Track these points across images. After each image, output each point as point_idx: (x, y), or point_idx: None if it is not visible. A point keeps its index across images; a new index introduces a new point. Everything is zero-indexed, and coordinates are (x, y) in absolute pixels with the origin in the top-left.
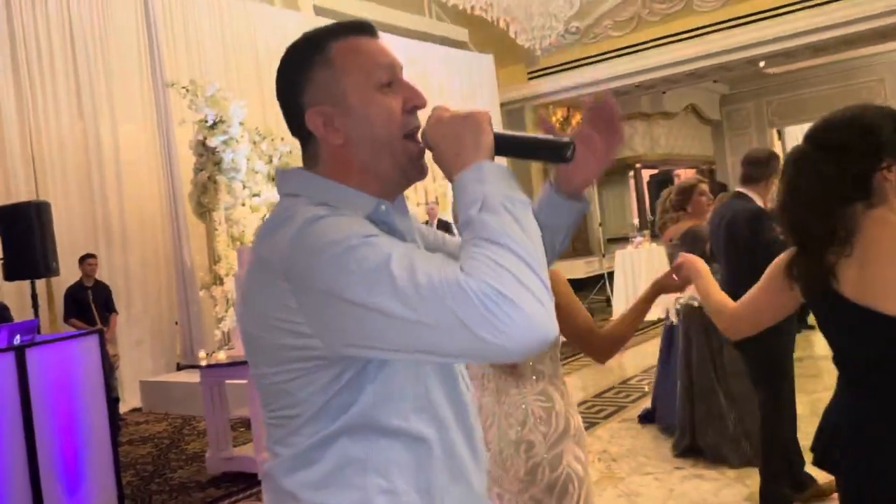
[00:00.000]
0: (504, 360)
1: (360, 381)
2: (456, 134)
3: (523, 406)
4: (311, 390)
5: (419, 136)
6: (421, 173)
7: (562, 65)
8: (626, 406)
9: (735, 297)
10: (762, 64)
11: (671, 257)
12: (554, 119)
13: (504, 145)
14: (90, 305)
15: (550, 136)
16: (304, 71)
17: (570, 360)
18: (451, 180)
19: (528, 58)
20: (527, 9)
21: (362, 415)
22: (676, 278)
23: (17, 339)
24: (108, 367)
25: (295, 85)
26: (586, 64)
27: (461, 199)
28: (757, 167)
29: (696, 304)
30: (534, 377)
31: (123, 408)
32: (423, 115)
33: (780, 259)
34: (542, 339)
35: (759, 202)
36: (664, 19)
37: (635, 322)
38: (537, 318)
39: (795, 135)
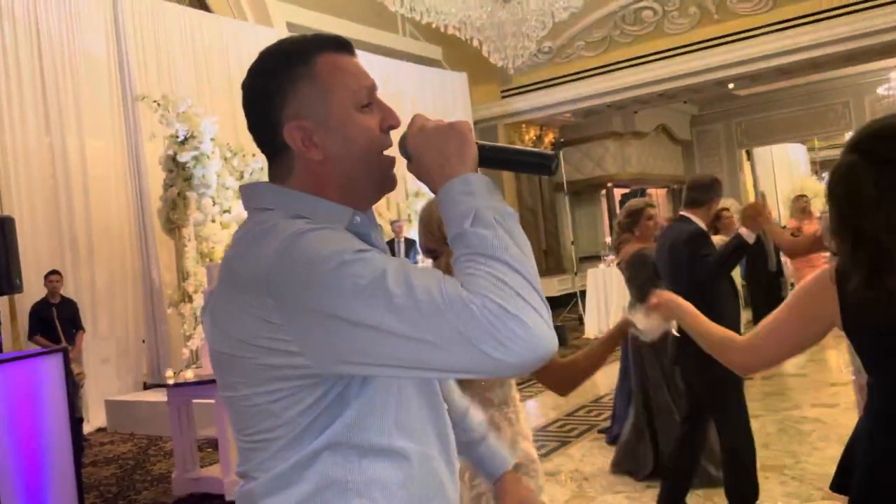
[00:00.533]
0: (506, 375)
1: (345, 397)
2: (440, 145)
3: None
4: (297, 410)
5: (398, 144)
6: (393, 184)
7: (535, 84)
8: (598, 424)
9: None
10: (731, 86)
11: (625, 280)
12: (527, 137)
13: (488, 157)
14: (55, 323)
15: (535, 149)
16: (286, 82)
17: None
18: (434, 191)
19: (501, 76)
20: (500, 28)
21: (344, 432)
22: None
23: None
24: (73, 387)
25: (274, 95)
26: (559, 83)
27: (450, 210)
28: (700, 191)
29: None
30: (480, 406)
31: (88, 428)
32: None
33: (815, 279)
34: (545, 352)
35: (702, 225)
36: (635, 40)
37: (600, 358)
38: (540, 333)
39: (764, 156)
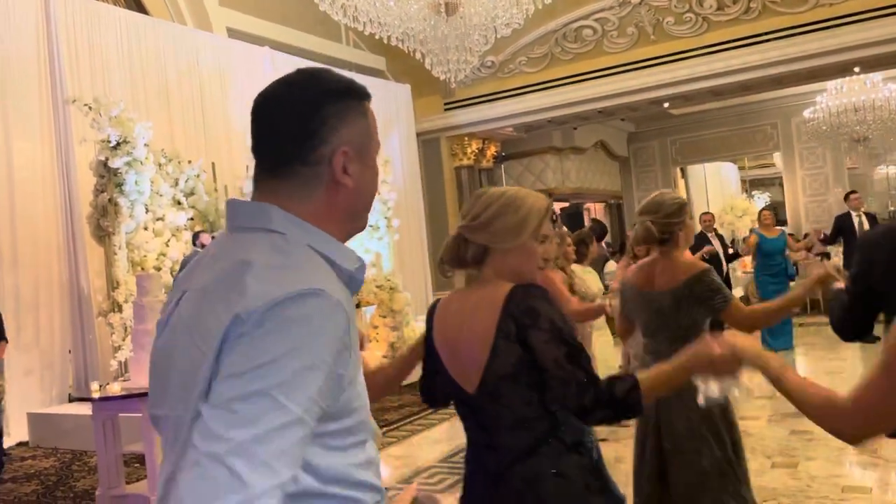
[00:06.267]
0: None
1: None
2: None
3: None
4: None
5: None
6: (364, 229)
7: (477, 97)
8: None
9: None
10: (666, 105)
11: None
12: (469, 150)
13: None
14: None
15: None
16: (344, 107)
17: None
18: None
19: (444, 89)
20: (443, 42)
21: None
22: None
23: None
24: None
25: (327, 113)
26: (501, 98)
27: None
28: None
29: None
30: None
31: (8, 442)
32: None
33: None
34: None
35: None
36: (576, 58)
37: (409, 365)
38: None
39: (697, 173)
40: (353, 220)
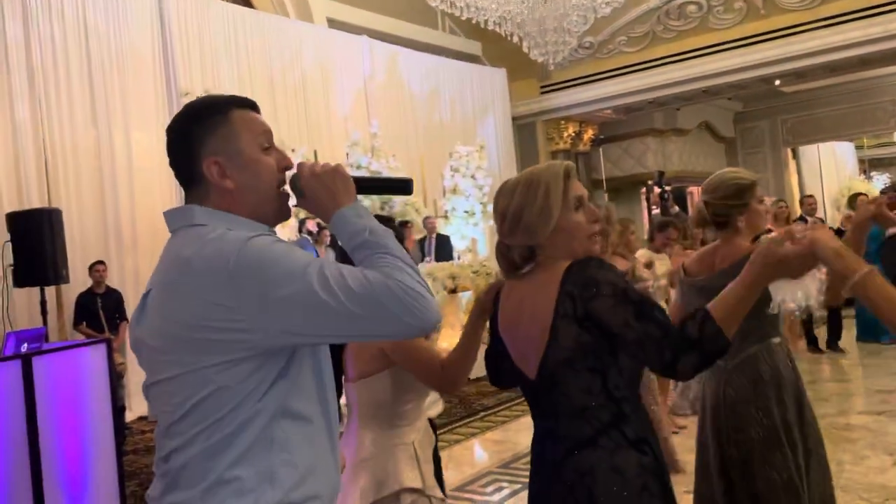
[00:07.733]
0: (412, 337)
1: (275, 373)
2: (329, 184)
3: None
4: (237, 380)
5: (290, 184)
6: (288, 214)
7: (575, 79)
8: None
9: None
10: (777, 82)
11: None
12: (566, 134)
13: (363, 186)
14: (99, 313)
15: (396, 176)
16: (204, 125)
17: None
18: (325, 219)
19: (540, 72)
20: (540, 24)
21: (275, 401)
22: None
23: (24, 347)
24: (115, 376)
25: (196, 135)
26: (599, 79)
27: (346, 228)
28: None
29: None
30: None
31: (130, 416)
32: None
33: None
34: (438, 319)
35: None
36: (679, 36)
37: (471, 342)
38: (433, 305)
39: (810, 154)
40: (257, 211)
